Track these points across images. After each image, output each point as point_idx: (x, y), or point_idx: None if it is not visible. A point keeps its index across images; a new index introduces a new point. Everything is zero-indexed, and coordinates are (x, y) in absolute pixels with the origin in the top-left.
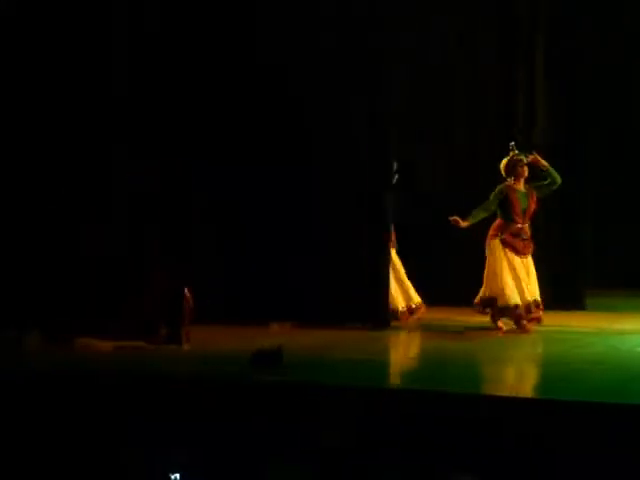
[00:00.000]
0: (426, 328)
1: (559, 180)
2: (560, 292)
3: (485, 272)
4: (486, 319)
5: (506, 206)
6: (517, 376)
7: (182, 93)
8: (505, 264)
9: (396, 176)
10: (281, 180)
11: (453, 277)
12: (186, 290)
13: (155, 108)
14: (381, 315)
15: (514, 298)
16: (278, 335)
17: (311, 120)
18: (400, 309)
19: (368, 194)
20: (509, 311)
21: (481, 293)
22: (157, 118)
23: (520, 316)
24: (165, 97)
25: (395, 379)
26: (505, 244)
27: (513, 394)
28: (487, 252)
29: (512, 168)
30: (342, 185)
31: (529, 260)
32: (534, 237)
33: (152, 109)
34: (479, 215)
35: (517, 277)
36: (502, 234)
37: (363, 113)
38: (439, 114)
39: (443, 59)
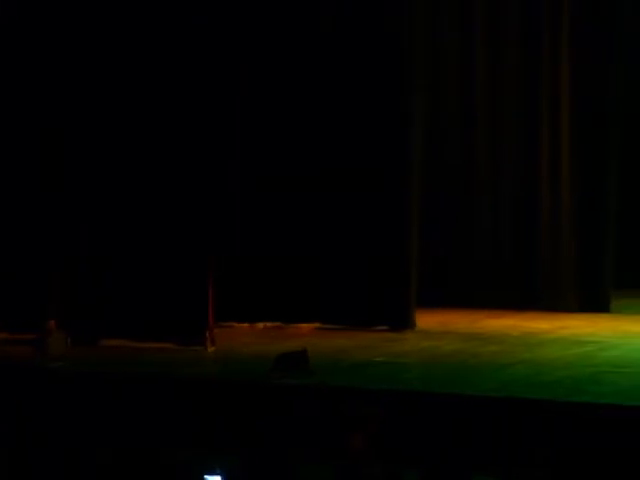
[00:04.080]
0: (453, 330)
1: None
2: (585, 294)
3: None
4: (509, 321)
5: None
6: (542, 379)
7: None
8: None
9: None
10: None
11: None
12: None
13: None
14: (406, 315)
15: None
16: (302, 337)
17: None
18: None
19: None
20: None
21: None
22: None
23: None
24: None
25: (418, 381)
26: None
27: (536, 397)
28: None
29: None
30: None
31: None
32: (559, 238)
33: None
34: None
35: None
36: None
37: None
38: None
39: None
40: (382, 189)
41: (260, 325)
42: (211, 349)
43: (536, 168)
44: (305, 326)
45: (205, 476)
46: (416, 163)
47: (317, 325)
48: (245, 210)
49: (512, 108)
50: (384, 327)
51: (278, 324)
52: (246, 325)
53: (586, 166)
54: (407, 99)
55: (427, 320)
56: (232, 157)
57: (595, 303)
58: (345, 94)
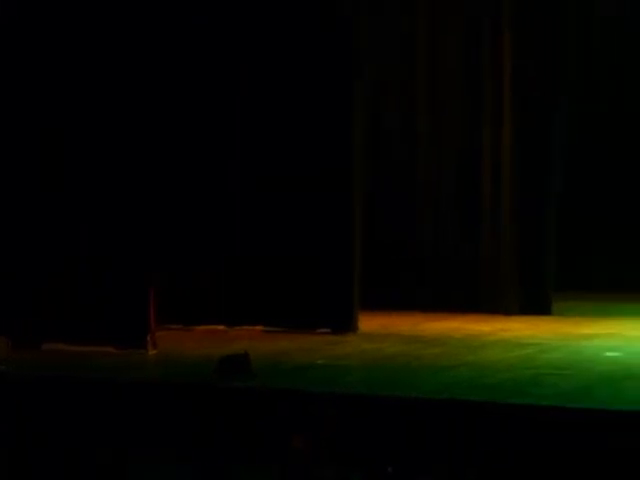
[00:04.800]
0: (395, 333)
1: None
2: (526, 296)
3: None
4: (451, 324)
5: None
6: (484, 381)
7: None
8: None
9: None
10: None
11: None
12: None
13: None
14: (348, 318)
15: None
16: (245, 340)
17: None
18: None
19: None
20: None
21: None
22: None
23: None
24: None
25: (360, 384)
26: None
27: (478, 399)
28: None
29: None
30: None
31: None
32: (500, 240)
33: None
34: None
35: None
36: None
37: None
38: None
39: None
40: (324, 190)
41: (203, 328)
42: (152, 352)
43: (478, 169)
44: (248, 329)
45: None
46: (359, 163)
47: (260, 328)
48: (185, 212)
49: (453, 108)
50: (326, 330)
51: (221, 327)
52: (188, 328)
53: (528, 166)
54: (351, 99)
55: (369, 322)
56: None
57: (536, 305)
58: (289, 94)
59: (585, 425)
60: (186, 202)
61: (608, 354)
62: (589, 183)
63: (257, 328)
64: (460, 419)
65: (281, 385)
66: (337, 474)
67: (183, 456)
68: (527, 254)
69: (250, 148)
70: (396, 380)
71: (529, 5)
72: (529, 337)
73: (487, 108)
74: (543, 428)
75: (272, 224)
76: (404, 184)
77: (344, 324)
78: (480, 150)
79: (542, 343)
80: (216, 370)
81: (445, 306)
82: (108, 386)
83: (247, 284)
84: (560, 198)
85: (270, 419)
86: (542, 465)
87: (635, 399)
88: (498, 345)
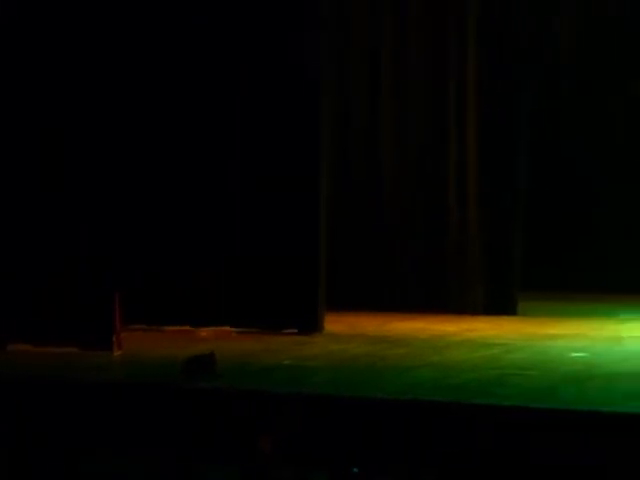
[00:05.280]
0: (361, 333)
1: None
2: (491, 296)
3: None
4: (416, 324)
5: None
6: (449, 381)
7: None
8: None
9: None
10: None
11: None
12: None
13: None
14: (315, 319)
15: None
16: (211, 341)
17: None
18: None
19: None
20: None
21: None
22: None
23: None
24: None
25: (326, 385)
26: None
27: (442, 399)
28: None
29: None
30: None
31: None
32: (465, 241)
33: None
34: None
35: None
36: None
37: None
38: None
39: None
40: (290, 191)
41: (169, 329)
42: (118, 353)
43: (443, 170)
44: (214, 329)
45: None
46: (325, 166)
47: (226, 328)
48: (147, 212)
49: (417, 115)
50: (293, 330)
51: (187, 328)
52: (154, 329)
53: (494, 165)
54: (318, 103)
55: (335, 323)
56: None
57: (501, 305)
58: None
59: (549, 425)
60: (156, 200)
61: (573, 354)
62: (555, 183)
63: (224, 329)
64: (424, 419)
65: (247, 386)
66: (299, 475)
67: (148, 456)
68: (492, 254)
69: (218, 149)
70: (361, 381)
71: (493, 11)
72: (494, 337)
73: (451, 109)
74: (507, 428)
75: (238, 225)
76: (369, 184)
77: (310, 325)
78: (446, 148)
79: (507, 343)
80: (182, 370)
81: (411, 306)
82: (73, 387)
83: (213, 284)
84: (526, 200)
85: (236, 420)
86: (505, 465)
87: (599, 399)
88: (463, 345)
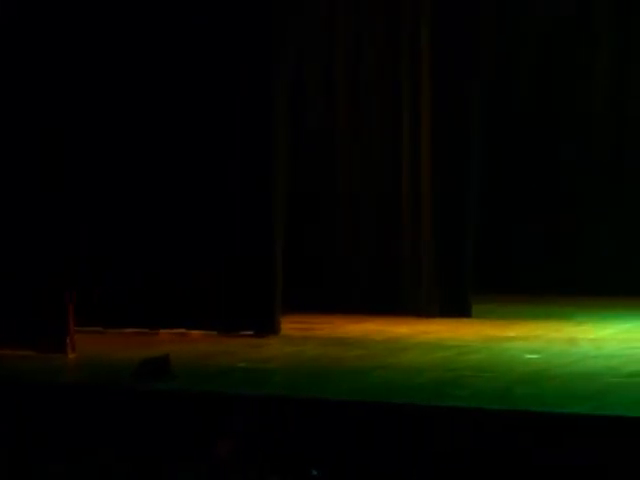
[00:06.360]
0: (316, 335)
1: None
2: (446, 299)
3: None
4: (372, 326)
5: None
6: (404, 383)
7: None
8: None
9: None
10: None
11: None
12: (68, 293)
13: None
14: (270, 321)
15: None
16: (166, 343)
17: None
18: None
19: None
20: None
21: None
22: None
23: None
24: None
25: (282, 387)
26: None
27: (398, 401)
28: None
29: None
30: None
31: None
32: (420, 243)
33: None
34: None
35: None
36: None
37: None
38: None
39: None
40: (245, 193)
41: (125, 331)
42: (72, 356)
43: (397, 172)
44: (169, 332)
45: None
46: (281, 166)
47: (182, 331)
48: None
49: (373, 114)
50: (248, 332)
51: (143, 330)
52: (110, 331)
53: (448, 167)
54: (275, 102)
55: (291, 325)
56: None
57: (457, 308)
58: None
59: (504, 427)
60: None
61: (528, 356)
62: (509, 184)
63: (179, 331)
64: (380, 421)
65: (202, 388)
66: (257, 477)
67: (101, 460)
68: (447, 256)
69: (172, 148)
70: (317, 383)
71: (447, 10)
72: (450, 339)
73: (406, 109)
74: (462, 430)
75: (192, 226)
76: (324, 185)
77: (267, 327)
78: (399, 150)
79: (462, 345)
80: (136, 373)
81: (366, 309)
82: (27, 389)
83: (169, 286)
84: (480, 201)
85: (191, 422)
86: (459, 467)
87: (554, 401)
88: (419, 347)
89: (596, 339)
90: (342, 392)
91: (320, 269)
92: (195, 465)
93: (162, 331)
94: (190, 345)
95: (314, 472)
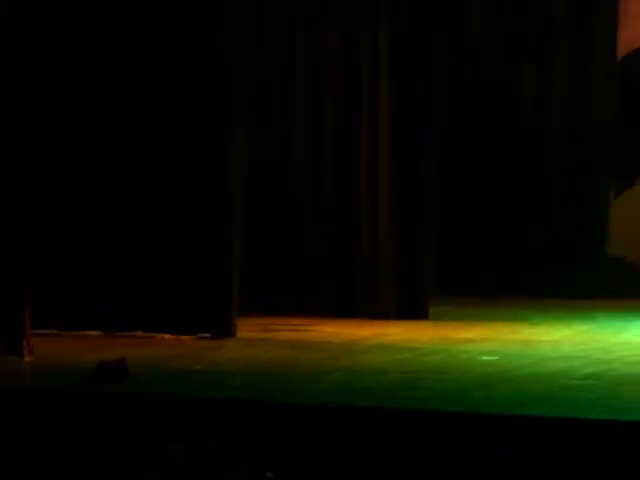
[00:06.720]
0: (273, 338)
1: None
2: (402, 300)
3: None
4: (330, 329)
5: None
6: (361, 385)
7: None
8: None
9: None
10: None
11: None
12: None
13: None
14: (227, 323)
15: None
16: (123, 346)
17: None
18: None
19: None
20: None
21: None
22: None
23: None
24: None
25: (238, 390)
26: None
27: (354, 403)
28: None
29: None
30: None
31: None
32: (377, 245)
33: None
34: None
35: None
36: None
37: None
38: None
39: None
40: (200, 193)
41: (80, 334)
42: (28, 358)
43: (355, 175)
44: (127, 334)
45: None
46: (238, 162)
47: (138, 333)
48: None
49: (330, 114)
50: (205, 335)
51: (99, 333)
52: (66, 334)
53: (406, 169)
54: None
55: (248, 327)
56: None
57: (414, 310)
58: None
59: (459, 428)
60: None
61: (484, 358)
62: (468, 184)
63: (136, 333)
64: (335, 424)
65: (159, 390)
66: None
67: (55, 462)
68: (404, 258)
69: (131, 158)
70: (274, 386)
71: (405, 23)
72: (407, 341)
73: (364, 109)
74: (418, 432)
75: (150, 228)
76: (282, 183)
77: (223, 329)
78: (357, 153)
79: (419, 347)
80: (93, 375)
81: (323, 311)
82: None
83: (125, 289)
84: (438, 203)
85: (147, 425)
86: (415, 470)
87: (508, 402)
88: (376, 349)
89: (553, 341)
90: (298, 395)
91: (276, 270)
92: (158, 466)
93: (119, 334)
94: (147, 348)
95: (269, 474)
